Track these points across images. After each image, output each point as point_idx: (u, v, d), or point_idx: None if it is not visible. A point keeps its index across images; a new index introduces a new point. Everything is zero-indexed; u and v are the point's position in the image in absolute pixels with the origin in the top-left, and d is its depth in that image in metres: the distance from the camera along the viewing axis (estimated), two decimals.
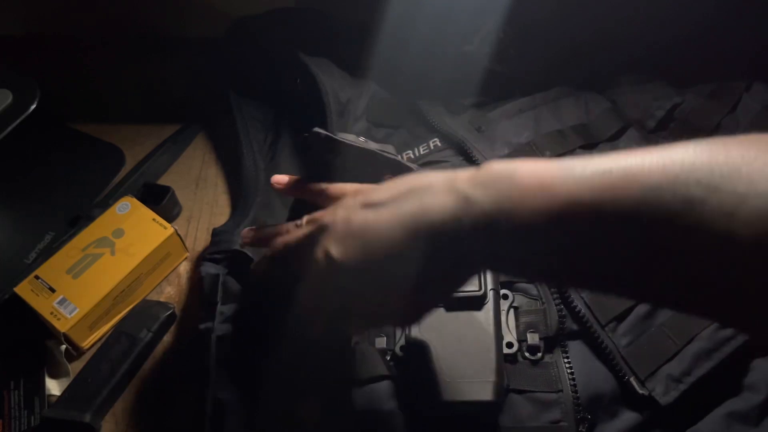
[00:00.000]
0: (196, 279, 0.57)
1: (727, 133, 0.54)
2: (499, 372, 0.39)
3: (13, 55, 0.72)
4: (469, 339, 0.40)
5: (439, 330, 0.41)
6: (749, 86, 0.56)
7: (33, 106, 0.52)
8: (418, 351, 0.41)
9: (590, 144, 0.53)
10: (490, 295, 0.42)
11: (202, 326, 0.47)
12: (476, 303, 0.42)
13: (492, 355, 0.40)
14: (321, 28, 0.63)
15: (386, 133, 0.57)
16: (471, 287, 0.41)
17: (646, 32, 0.58)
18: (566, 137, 0.53)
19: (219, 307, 0.47)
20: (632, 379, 0.41)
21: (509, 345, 0.42)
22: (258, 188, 0.55)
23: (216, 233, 0.52)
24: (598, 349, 0.43)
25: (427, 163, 0.54)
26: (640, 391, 0.41)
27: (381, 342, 0.43)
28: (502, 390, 0.40)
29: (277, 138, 0.59)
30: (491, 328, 0.41)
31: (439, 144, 0.55)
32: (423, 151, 0.55)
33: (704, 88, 0.57)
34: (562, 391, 0.41)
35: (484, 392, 0.39)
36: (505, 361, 0.41)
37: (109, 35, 0.73)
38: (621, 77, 0.59)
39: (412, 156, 0.55)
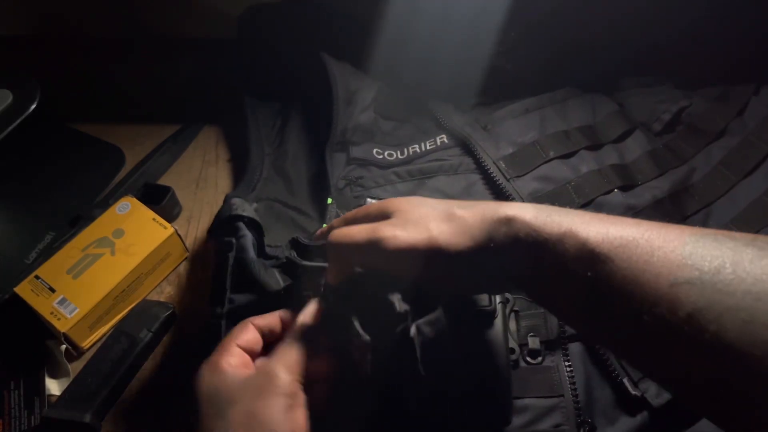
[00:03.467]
0: (196, 279, 0.57)
1: (733, 137, 0.54)
2: (509, 396, 0.39)
3: (13, 55, 0.72)
4: (479, 358, 0.39)
5: (450, 347, 0.39)
6: (757, 90, 0.56)
7: (33, 106, 0.52)
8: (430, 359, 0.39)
9: (595, 145, 0.53)
10: (498, 308, 0.40)
11: (217, 311, 0.44)
12: (487, 320, 0.40)
13: (503, 375, 0.39)
14: (324, 24, 0.63)
15: (393, 125, 0.57)
16: (481, 302, 0.40)
17: (655, 34, 0.57)
18: (571, 138, 0.53)
19: (229, 295, 0.44)
20: (625, 380, 0.41)
21: (511, 351, 0.42)
22: (262, 173, 0.55)
23: (228, 198, 0.50)
24: (592, 351, 0.43)
25: (432, 160, 0.54)
26: (633, 392, 0.41)
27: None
28: (511, 414, 0.39)
29: (285, 124, 0.59)
30: (502, 349, 0.39)
31: (446, 141, 0.55)
32: (429, 146, 0.55)
33: (712, 91, 0.57)
34: (563, 395, 0.41)
35: (495, 419, 0.39)
36: None
37: (110, 35, 0.73)
38: (628, 79, 0.59)
39: (418, 150, 0.54)
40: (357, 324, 0.35)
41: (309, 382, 0.36)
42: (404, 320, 0.34)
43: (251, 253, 0.43)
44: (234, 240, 0.45)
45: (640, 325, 0.27)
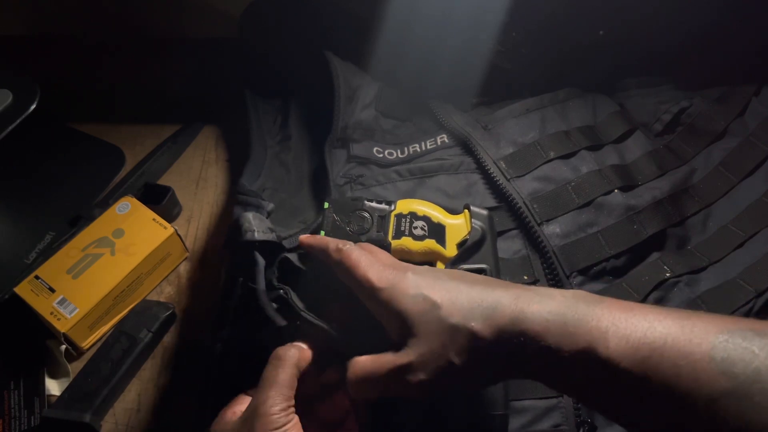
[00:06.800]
0: (196, 279, 0.57)
1: (734, 138, 0.54)
2: (506, 405, 0.39)
3: (13, 55, 0.72)
4: None
5: None
6: (758, 91, 0.56)
7: (33, 106, 0.52)
8: None
9: (596, 145, 0.53)
10: None
11: (217, 334, 0.44)
12: None
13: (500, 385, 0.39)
14: (325, 21, 0.63)
15: (394, 124, 0.57)
16: None
17: (656, 35, 0.57)
18: (571, 138, 0.53)
19: (231, 321, 0.44)
20: None
21: None
22: (265, 163, 0.55)
23: (241, 191, 0.50)
24: None
25: (433, 159, 0.54)
26: None
27: None
28: (507, 420, 0.39)
29: (286, 120, 0.59)
30: None
31: (446, 140, 0.55)
32: (430, 146, 0.54)
33: (712, 92, 0.57)
34: (562, 396, 0.41)
35: (493, 427, 0.38)
36: None
37: (110, 35, 0.73)
38: (629, 80, 0.59)
39: (418, 149, 0.55)
40: None
41: (306, 398, 0.36)
42: None
43: (261, 284, 0.42)
44: (246, 267, 0.44)
45: None
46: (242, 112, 0.59)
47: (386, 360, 0.33)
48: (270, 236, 0.44)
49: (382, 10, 0.56)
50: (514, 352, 0.31)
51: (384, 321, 0.35)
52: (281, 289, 0.41)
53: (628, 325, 0.28)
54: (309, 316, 0.38)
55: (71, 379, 0.50)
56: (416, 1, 0.56)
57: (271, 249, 0.44)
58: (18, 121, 0.51)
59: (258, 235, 0.43)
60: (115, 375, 0.49)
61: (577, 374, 0.29)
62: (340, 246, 0.38)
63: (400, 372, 0.32)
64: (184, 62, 0.71)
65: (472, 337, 0.31)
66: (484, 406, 0.38)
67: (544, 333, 0.30)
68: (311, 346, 0.37)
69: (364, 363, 0.34)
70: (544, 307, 0.31)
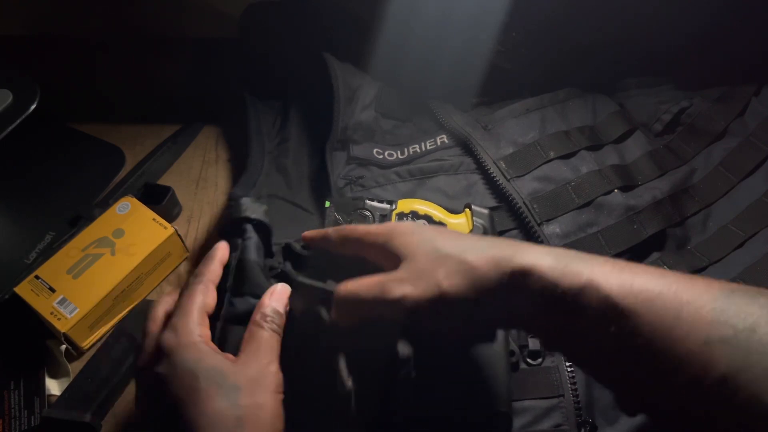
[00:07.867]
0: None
1: (734, 138, 0.54)
2: (509, 404, 0.39)
3: (13, 55, 0.72)
4: (479, 365, 0.39)
5: (450, 354, 0.39)
6: (758, 91, 0.56)
7: (33, 106, 0.52)
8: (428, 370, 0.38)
9: (596, 145, 0.53)
10: None
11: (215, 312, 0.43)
12: (490, 334, 0.39)
13: (502, 381, 0.39)
14: (325, 22, 0.63)
15: (394, 124, 0.57)
16: None
17: (656, 35, 0.58)
18: (571, 138, 0.53)
19: (228, 297, 0.43)
20: None
21: (511, 353, 0.41)
22: (263, 169, 0.55)
23: (233, 197, 0.51)
24: None
25: (433, 160, 0.54)
26: None
27: None
28: (511, 421, 0.39)
29: (285, 122, 0.59)
30: (502, 353, 0.39)
31: (446, 141, 0.55)
32: (430, 146, 0.55)
33: (712, 92, 0.57)
34: (563, 395, 0.41)
35: (495, 427, 0.39)
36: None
37: (110, 35, 0.73)
38: (629, 80, 0.60)
39: (418, 150, 0.55)
40: (343, 366, 0.35)
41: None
42: (407, 364, 0.34)
43: (253, 256, 0.42)
44: (240, 241, 0.44)
45: (671, 385, 0.26)
46: (242, 113, 0.59)
47: (376, 277, 0.33)
48: (266, 220, 0.44)
49: (382, 10, 0.56)
50: (510, 285, 0.30)
51: (383, 261, 0.35)
52: (278, 268, 0.41)
53: (631, 273, 0.28)
54: (306, 280, 0.38)
55: (71, 379, 0.50)
56: (416, 1, 0.56)
57: (266, 233, 0.44)
58: (18, 121, 0.51)
59: (255, 215, 0.44)
60: (115, 375, 0.49)
61: (575, 312, 0.28)
62: (339, 226, 0.39)
63: (388, 284, 0.32)
64: (184, 62, 0.71)
65: (465, 264, 0.31)
66: (486, 405, 0.38)
67: (546, 268, 0.29)
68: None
69: (353, 280, 0.35)
70: (545, 248, 0.31)
